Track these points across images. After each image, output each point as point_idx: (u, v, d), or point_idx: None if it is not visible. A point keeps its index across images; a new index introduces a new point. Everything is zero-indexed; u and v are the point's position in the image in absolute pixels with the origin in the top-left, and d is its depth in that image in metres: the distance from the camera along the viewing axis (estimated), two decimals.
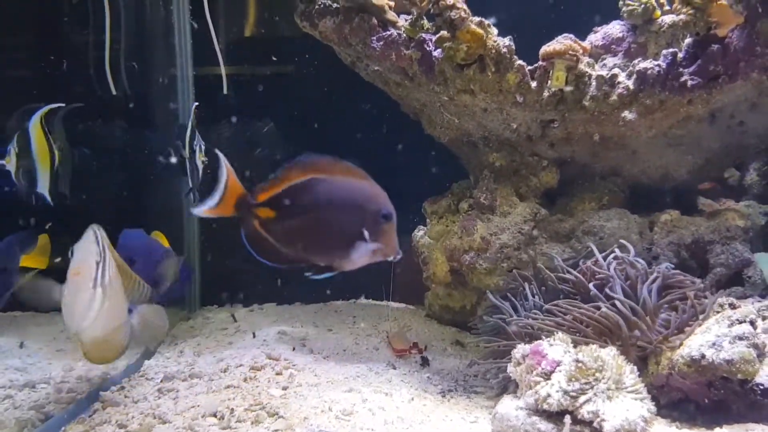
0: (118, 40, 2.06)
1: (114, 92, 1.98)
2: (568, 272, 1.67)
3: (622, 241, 1.76)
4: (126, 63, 2.08)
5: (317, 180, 1.33)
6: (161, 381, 1.72)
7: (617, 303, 1.46)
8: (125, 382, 1.72)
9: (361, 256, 1.31)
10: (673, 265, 1.68)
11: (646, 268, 1.57)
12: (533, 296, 1.71)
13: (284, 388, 1.61)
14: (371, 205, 1.31)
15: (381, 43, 1.95)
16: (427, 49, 1.91)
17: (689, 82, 1.80)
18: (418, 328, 2.23)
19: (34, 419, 1.46)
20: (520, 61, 1.88)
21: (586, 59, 1.91)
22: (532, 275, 1.79)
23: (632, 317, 1.43)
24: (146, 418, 1.44)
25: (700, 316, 1.41)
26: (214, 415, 1.44)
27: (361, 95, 2.39)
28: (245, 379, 1.68)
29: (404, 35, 1.95)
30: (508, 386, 1.51)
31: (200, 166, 2.09)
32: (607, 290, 1.54)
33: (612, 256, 1.65)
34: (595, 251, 1.68)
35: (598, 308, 1.46)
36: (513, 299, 1.73)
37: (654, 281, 1.51)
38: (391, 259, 1.32)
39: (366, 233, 1.28)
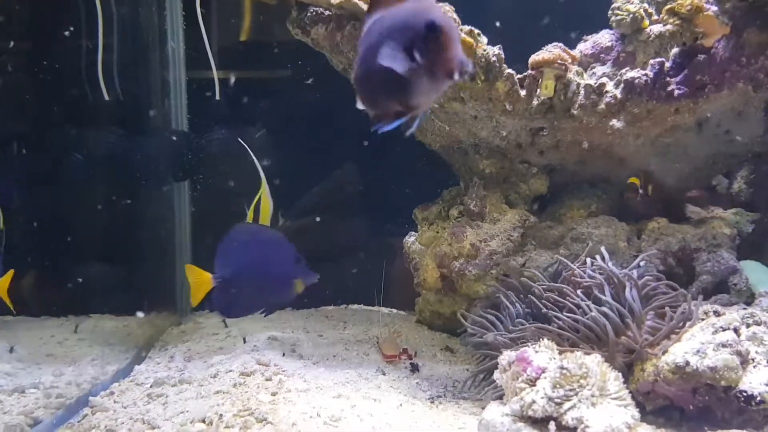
0: (111, 45, 2.06)
1: (107, 97, 1.99)
2: (552, 284, 1.68)
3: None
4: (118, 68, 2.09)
5: None
6: (151, 386, 1.72)
7: (606, 309, 1.47)
8: (115, 387, 1.72)
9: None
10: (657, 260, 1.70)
11: (629, 275, 1.58)
12: (519, 305, 1.71)
13: (273, 394, 1.62)
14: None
15: None
16: None
17: (676, 92, 1.83)
18: (408, 334, 2.24)
19: (23, 424, 1.46)
20: (509, 70, 1.90)
21: (575, 68, 1.93)
22: (518, 283, 1.80)
23: (620, 323, 1.44)
24: (135, 424, 1.45)
25: (686, 323, 1.42)
26: (203, 421, 1.45)
27: (353, 102, 2.40)
28: (235, 385, 1.68)
29: None
30: (483, 395, 1.52)
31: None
32: (595, 294, 1.55)
33: (590, 263, 1.66)
34: (567, 262, 1.70)
35: (585, 314, 1.48)
36: (499, 308, 1.74)
37: (635, 289, 1.53)
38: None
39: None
